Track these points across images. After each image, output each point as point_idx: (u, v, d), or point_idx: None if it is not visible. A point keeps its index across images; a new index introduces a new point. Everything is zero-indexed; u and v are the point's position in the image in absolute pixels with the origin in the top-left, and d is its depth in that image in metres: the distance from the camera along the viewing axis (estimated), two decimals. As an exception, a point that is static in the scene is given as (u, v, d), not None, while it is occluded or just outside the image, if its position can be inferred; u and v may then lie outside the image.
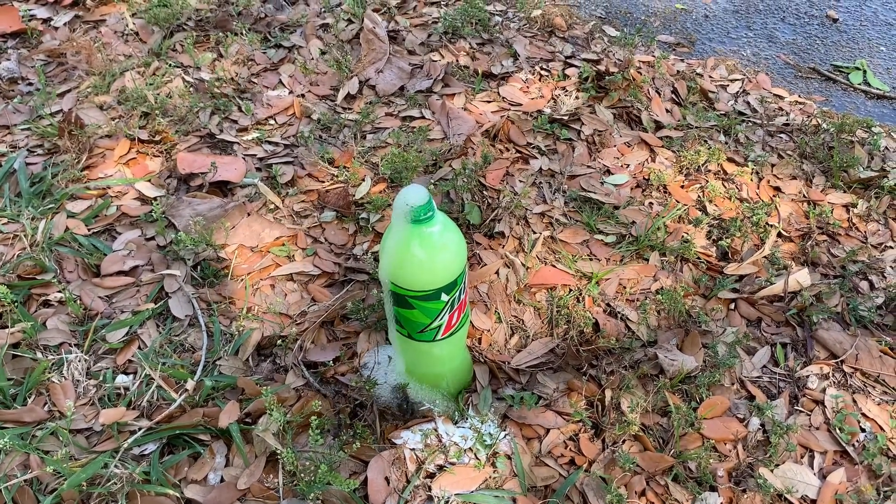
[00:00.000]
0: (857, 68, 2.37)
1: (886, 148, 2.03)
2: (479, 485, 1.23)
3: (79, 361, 1.36)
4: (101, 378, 1.35)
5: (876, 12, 2.65)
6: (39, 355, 1.36)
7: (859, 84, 2.31)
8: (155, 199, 1.68)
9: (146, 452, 1.24)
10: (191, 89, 2.01)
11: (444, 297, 1.15)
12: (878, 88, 2.31)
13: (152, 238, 1.60)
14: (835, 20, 2.61)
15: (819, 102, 2.25)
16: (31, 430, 1.25)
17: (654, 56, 2.30)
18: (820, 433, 1.38)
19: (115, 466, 1.18)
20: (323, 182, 1.78)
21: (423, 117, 2.00)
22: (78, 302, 1.44)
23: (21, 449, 1.21)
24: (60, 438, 1.24)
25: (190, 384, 1.31)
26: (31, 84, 2.03)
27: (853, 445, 1.36)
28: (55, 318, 1.43)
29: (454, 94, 2.08)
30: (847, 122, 2.01)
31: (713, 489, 1.27)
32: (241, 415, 1.29)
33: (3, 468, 1.20)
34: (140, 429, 1.26)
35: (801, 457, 1.34)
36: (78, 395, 1.32)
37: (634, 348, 1.46)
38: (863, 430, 1.38)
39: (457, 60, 2.21)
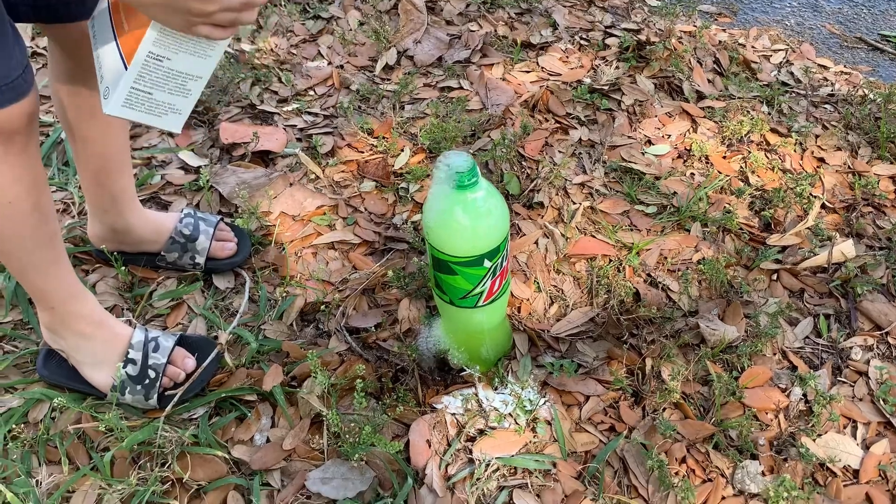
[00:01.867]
0: (906, 37, 2.31)
1: (936, 118, 1.98)
2: (519, 449, 1.25)
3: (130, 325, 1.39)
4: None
5: (926, -20, 2.57)
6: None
7: (908, 53, 2.26)
8: (199, 167, 1.70)
9: (195, 416, 1.28)
10: (232, 60, 2.02)
11: (487, 264, 1.16)
12: (927, 58, 2.25)
13: (197, 206, 1.63)
14: (883, -12, 2.54)
15: (865, 73, 2.20)
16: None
17: (695, 26, 2.27)
18: (863, 404, 1.37)
19: (165, 429, 1.22)
20: (362, 152, 1.79)
21: (461, 88, 1.99)
22: (126, 269, 1.48)
23: (75, 407, 1.25)
24: (112, 400, 1.27)
25: (222, 335, 1.34)
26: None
27: (897, 417, 1.34)
28: (102, 283, 1.47)
29: (492, 65, 2.08)
30: (894, 92, 1.96)
31: (754, 457, 1.27)
32: (286, 378, 1.32)
33: (58, 425, 1.24)
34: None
35: (844, 427, 1.33)
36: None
37: (675, 318, 1.45)
38: (907, 402, 1.37)
39: (495, 30, 2.20)
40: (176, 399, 1.25)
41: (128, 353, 1.25)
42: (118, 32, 0.96)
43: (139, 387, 1.25)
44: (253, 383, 1.31)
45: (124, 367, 1.24)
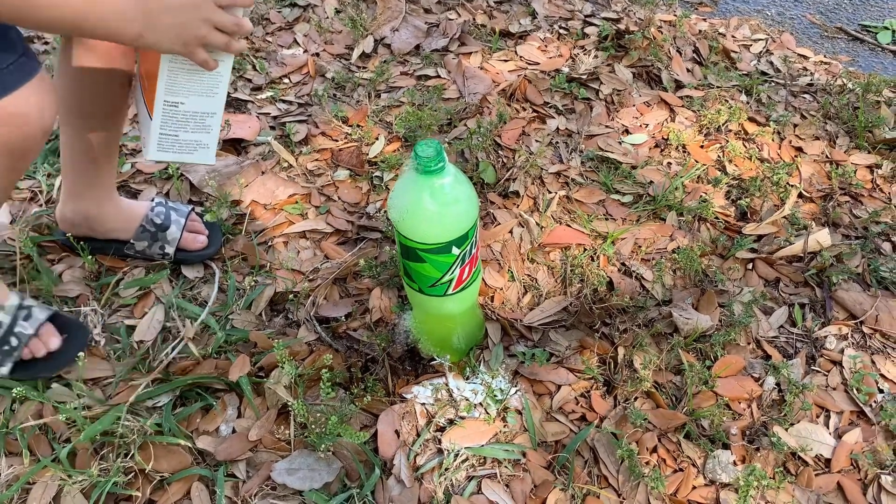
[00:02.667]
0: (886, 28, 2.30)
1: (914, 108, 1.98)
2: (489, 439, 1.23)
3: (95, 315, 1.37)
4: (114, 332, 1.36)
5: (907, -29, 2.57)
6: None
7: (888, 44, 2.25)
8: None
9: (159, 405, 1.25)
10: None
11: (456, 251, 1.14)
12: (907, 48, 2.25)
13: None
14: (864, -21, 2.53)
15: (845, 63, 2.19)
16: (43, 384, 1.26)
17: (675, 15, 2.25)
18: (837, 393, 1.36)
19: (127, 419, 1.20)
20: (336, 141, 1.77)
21: (438, 76, 1.97)
22: (93, 258, 1.45)
23: (36, 398, 1.23)
24: (75, 390, 1.25)
25: (190, 328, 1.32)
26: (46, 43, 2.03)
27: (870, 406, 1.34)
28: (69, 272, 1.44)
29: (470, 54, 2.06)
30: (874, 82, 1.96)
31: (726, 447, 1.26)
32: (253, 368, 1.30)
33: (18, 417, 1.22)
34: (154, 381, 1.27)
35: (817, 416, 1.32)
36: (92, 346, 1.33)
37: (649, 307, 1.44)
38: (881, 391, 1.36)
39: (473, 19, 2.18)
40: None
41: None
42: (144, 93, 1.13)
43: None
44: (220, 373, 1.29)
45: None
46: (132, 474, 1.17)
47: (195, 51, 1.00)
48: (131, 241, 1.44)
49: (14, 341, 1.22)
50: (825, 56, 2.20)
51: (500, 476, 1.20)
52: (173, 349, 1.31)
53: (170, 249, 1.44)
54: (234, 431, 1.24)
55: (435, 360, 1.32)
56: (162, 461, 1.18)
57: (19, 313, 1.23)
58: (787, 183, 1.71)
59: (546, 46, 2.10)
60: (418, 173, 1.07)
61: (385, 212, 1.59)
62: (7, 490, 1.13)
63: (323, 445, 1.18)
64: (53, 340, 1.25)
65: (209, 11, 0.98)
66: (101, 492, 1.12)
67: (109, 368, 1.30)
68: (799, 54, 2.19)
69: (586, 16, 2.23)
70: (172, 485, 1.17)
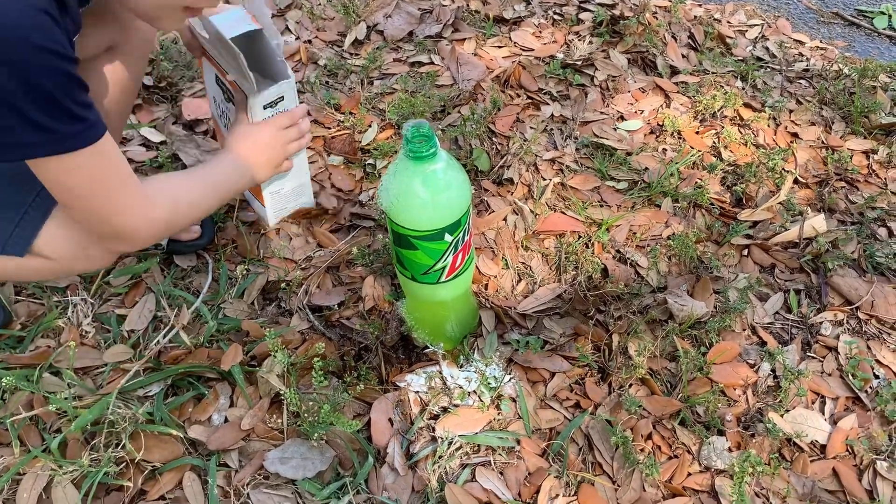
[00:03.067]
0: (882, 13, 2.29)
1: (910, 94, 1.97)
2: (482, 426, 1.23)
3: (85, 304, 1.36)
4: (105, 321, 1.35)
5: (904, -45, 2.55)
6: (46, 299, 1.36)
7: (884, 29, 2.24)
8: (160, 143, 1.66)
9: (150, 394, 1.25)
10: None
11: (448, 238, 1.13)
12: (903, 33, 2.23)
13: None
14: (861, -37, 2.52)
15: (841, 48, 2.18)
16: (37, 372, 1.25)
17: (670, 1, 2.23)
18: (832, 379, 1.35)
19: (119, 407, 1.19)
20: (329, 128, 1.75)
21: (431, 63, 1.95)
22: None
23: (26, 388, 1.22)
24: (65, 379, 1.24)
25: (185, 313, 1.31)
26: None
27: (866, 392, 1.33)
28: (60, 261, 1.43)
29: (464, 40, 2.04)
30: (870, 67, 1.94)
31: (721, 433, 1.25)
32: (246, 357, 1.29)
33: (9, 407, 1.20)
34: (145, 370, 1.26)
35: (812, 402, 1.32)
36: (82, 335, 1.32)
37: (643, 294, 1.43)
38: (876, 377, 1.36)
39: (467, 5, 2.16)
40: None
41: None
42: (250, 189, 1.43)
43: None
44: (212, 362, 1.28)
45: None
46: (123, 464, 1.16)
47: (283, 166, 1.31)
48: None
49: None
50: (821, 41, 2.19)
51: (494, 464, 1.19)
52: (165, 337, 1.30)
53: (162, 241, 1.43)
54: (226, 420, 1.23)
55: (428, 348, 1.31)
56: (153, 451, 1.17)
57: None
58: (783, 169, 1.70)
59: (540, 32, 2.08)
60: (409, 159, 1.06)
61: (377, 199, 1.58)
62: (-3, 480, 1.12)
63: (316, 434, 1.17)
64: None
65: (281, 138, 1.27)
66: (92, 482, 1.11)
67: (100, 357, 1.29)
68: (795, 40, 2.18)
69: (581, 1, 2.21)
70: (164, 475, 1.16)
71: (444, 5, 2.14)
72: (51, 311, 1.34)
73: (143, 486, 1.15)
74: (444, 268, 1.18)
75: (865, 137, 1.81)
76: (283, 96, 1.29)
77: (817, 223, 1.55)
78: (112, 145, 0.96)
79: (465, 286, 1.28)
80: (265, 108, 1.27)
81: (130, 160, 1.64)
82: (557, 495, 1.16)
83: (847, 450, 1.26)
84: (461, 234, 1.15)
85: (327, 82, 1.88)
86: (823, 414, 1.30)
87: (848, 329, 1.43)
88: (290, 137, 1.29)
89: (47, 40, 0.82)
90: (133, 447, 1.16)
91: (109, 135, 0.94)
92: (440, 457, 1.18)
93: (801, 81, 2.00)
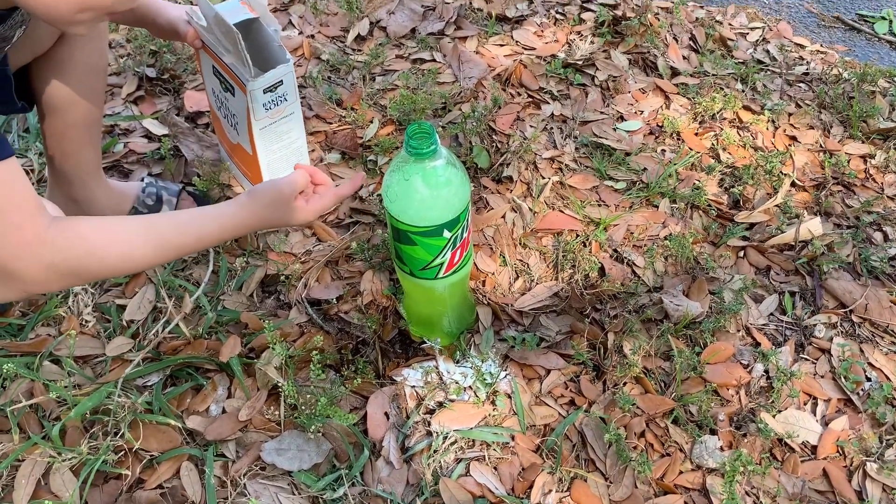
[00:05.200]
0: (884, 18, 2.30)
1: (909, 99, 1.98)
2: (478, 422, 1.24)
3: (86, 294, 1.37)
4: (105, 311, 1.36)
5: (906, -39, 2.56)
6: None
7: (884, 34, 2.25)
8: (163, 136, 1.67)
9: (149, 384, 1.26)
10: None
11: (447, 234, 1.14)
12: (903, 39, 2.24)
13: (160, 174, 1.60)
14: (863, -32, 2.53)
15: (841, 52, 2.19)
16: (38, 360, 1.26)
17: (672, 2, 2.24)
18: (825, 381, 1.37)
19: (118, 396, 1.20)
20: (331, 123, 1.76)
21: (433, 60, 1.96)
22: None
23: (27, 376, 1.23)
24: (65, 368, 1.25)
25: (188, 301, 1.32)
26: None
27: (858, 394, 1.35)
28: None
29: (466, 38, 2.05)
30: (869, 72, 1.95)
31: (713, 432, 1.26)
32: (244, 349, 1.30)
33: (8, 394, 1.22)
34: (144, 360, 1.27)
35: (804, 404, 1.33)
36: (82, 325, 1.33)
37: (639, 293, 1.45)
38: (868, 380, 1.37)
39: (470, 3, 2.16)
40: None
41: None
42: (244, 174, 1.52)
43: None
44: (210, 354, 1.29)
45: None
46: (122, 453, 1.17)
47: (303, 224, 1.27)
48: None
49: None
50: (822, 45, 2.20)
51: (489, 459, 1.21)
52: (164, 327, 1.31)
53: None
54: (224, 412, 1.24)
55: (425, 343, 1.32)
56: (151, 440, 1.19)
57: None
58: (781, 171, 1.71)
59: (542, 31, 2.09)
60: (410, 155, 1.07)
61: (378, 195, 1.59)
62: (-3, 466, 1.13)
63: (313, 426, 1.18)
64: None
65: (309, 216, 1.13)
66: (90, 469, 1.13)
67: (100, 346, 1.30)
68: (795, 43, 2.19)
69: (583, 1, 2.22)
70: (162, 464, 1.17)
71: (447, 3, 2.14)
72: (51, 299, 1.35)
73: (140, 474, 1.16)
74: (442, 263, 1.19)
75: (863, 142, 1.82)
76: (281, 81, 1.30)
77: (813, 226, 1.57)
78: (14, 170, 0.86)
79: (463, 282, 1.30)
80: (265, 92, 1.28)
81: (132, 151, 1.66)
82: (550, 490, 1.17)
83: (838, 451, 1.27)
84: (460, 231, 1.16)
85: (329, 77, 1.89)
86: (815, 415, 1.31)
87: (841, 332, 1.45)
88: (323, 204, 1.15)
89: None
90: (132, 436, 1.17)
91: (14, 161, 0.86)
92: (435, 451, 1.20)
93: (801, 85, 2.01)
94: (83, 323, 1.34)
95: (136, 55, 1.87)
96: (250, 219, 1.08)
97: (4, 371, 1.13)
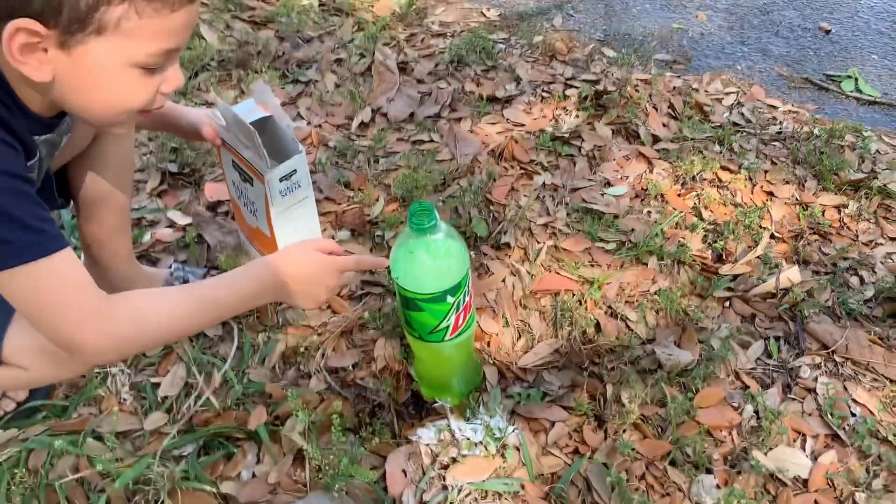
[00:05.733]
0: (849, 76, 2.46)
1: (877, 151, 2.12)
2: (489, 474, 1.33)
3: (122, 374, 1.49)
4: (140, 389, 1.47)
5: (868, 22, 2.75)
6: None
7: (851, 91, 2.41)
8: (186, 225, 1.81)
9: (185, 454, 1.36)
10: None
11: (450, 300, 1.26)
12: (869, 95, 2.40)
13: (185, 261, 1.74)
14: (827, 31, 2.71)
15: (812, 111, 2.34)
16: (81, 438, 1.37)
17: (650, 74, 2.42)
18: (812, 418, 1.46)
19: (157, 466, 1.30)
20: (340, 204, 1.91)
21: (432, 140, 2.12)
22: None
23: (72, 452, 1.34)
24: (107, 443, 1.36)
25: (216, 377, 1.43)
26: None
27: (844, 429, 1.44)
28: (98, 336, 1.56)
29: (461, 118, 2.21)
30: (837, 128, 2.10)
31: (709, 471, 1.35)
32: (270, 417, 1.41)
33: (57, 470, 1.32)
34: (179, 432, 1.38)
35: (794, 440, 1.42)
36: (121, 403, 1.44)
37: (634, 346, 1.55)
38: (853, 415, 1.46)
39: (462, 87, 2.34)
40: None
41: None
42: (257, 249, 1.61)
43: None
44: (239, 423, 1.40)
45: None
46: (162, 519, 1.27)
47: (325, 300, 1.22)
48: None
49: None
50: (793, 105, 2.35)
51: (501, 507, 1.30)
52: (196, 401, 1.42)
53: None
54: (254, 476, 1.34)
55: (437, 402, 1.43)
56: (189, 505, 1.29)
57: None
58: (759, 225, 1.83)
59: (530, 109, 2.25)
60: (413, 231, 1.20)
61: (386, 269, 1.72)
62: (48, 538, 1.23)
63: (336, 485, 1.28)
64: (20, 393, 1.41)
65: (332, 278, 1.19)
66: (134, 536, 1.22)
67: (138, 422, 1.41)
68: (768, 105, 2.35)
69: (567, 78, 2.40)
70: (200, 527, 1.27)
71: (441, 88, 2.32)
72: (91, 381, 1.47)
73: (180, 538, 1.26)
74: (447, 327, 1.30)
75: (836, 193, 1.96)
76: (295, 170, 1.44)
77: (792, 275, 1.68)
78: (71, 258, 0.98)
79: (469, 343, 1.41)
80: (281, 180, 1.42)
81: (159, 241, 1.80)
82: (560, 534, 1.26)
83: (828, 483, 1.35)
84: (462, 296, 1.28)
85: (337, 162, 2.04)
86: (805, 450, 1.40)
87: (825, 371, 1.54)
88: (341, 282, 1.24)
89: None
90: (171, 503, 1.27)
91: (70, 250, 0.98)
92: (451, 503, 1.29)
93: (776, 143, 2.16)
94: (121, 401, 1.45)
95: (159, 153, 2.03)
96: (282, 264, 1.16)
97: (56, 447, 1.23)
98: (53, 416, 1.42)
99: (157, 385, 1.48)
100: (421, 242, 1.21)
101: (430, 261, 1.23)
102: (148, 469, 1.30)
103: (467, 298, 1.31)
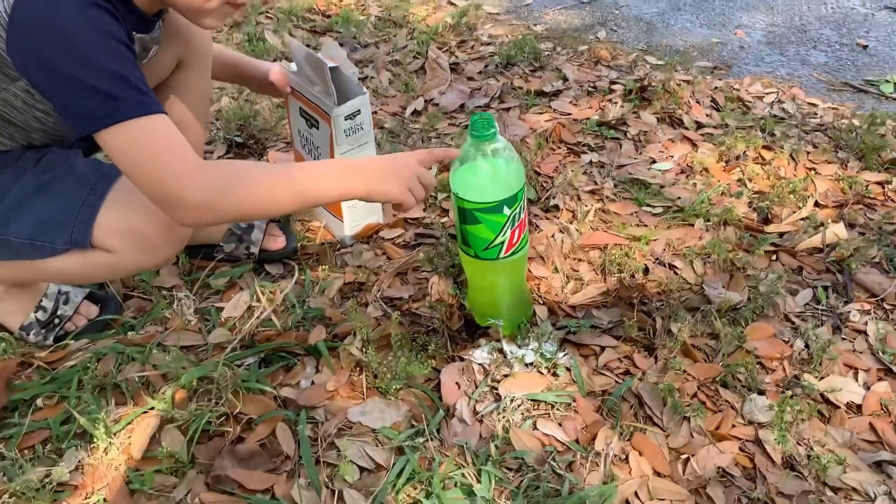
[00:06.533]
0: (888, 81, 2.52)
1: (919, 137, 2.15)
2: (541, 389, 1.36)
3: (188, 299, 1.55)
4: (205, 313, 1.54)
5: (905, 39, 2.82)
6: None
7: (891, 93, 2.46)
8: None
9: (247, 363, 1.41)
10: (279, 107, 2.28)
11: (506, 211, 1.32)
12: (910, 96, 2.45)
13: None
14: (864, 47, 2.79)
15: (852, 109, 2.39)
16: (147, 348, 1.43)
17: (692, 76, 2.50)
18: (863, 356, 1.46)
19: (221, 367, 1.35)
20: (394, 173, 1.99)
21: (482, 124, 2.21)
22: (186, 258, 1.65)
23: (139, 360, 1.40)
24: (171, 354, 1.41)
25: (278, 298, 1.49)
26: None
27: (896, 365, 1.44)
28: (164, 269, 1.64)
29: (509, 108, 2.31)
30: (878, 115, 2.15)
31: (761, 393, 1.36)
32: (329, 336, 1.46)
33: (124, 372, 1.38)
34: (242, 346, 1.43)
35: (845, 373, 1.42)
36: (186, 323, 1.50)
37: (682, 288, 1.58)
38: (906, 354, 1.46)
39: (511, 83, 2.45)
40: (71, 336, 1.47)
41: (41, 301, 1.45)
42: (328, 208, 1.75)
43: (43, 330, 1.45)
44: (299, 341, 1.45)
45: (35, 311, 1.45)
46: (223, 416, 1.31)
47: (408, 198, 1.26)
48: (220, 244, 1.65)
49: (56, 321, 1.47)
50: (833, 103, 2.41)
51: (553, 416, 1.32)
52: (258, 318, 1.48)
53: (254, 249, 1.64)
54: (312, 384, 1.38)
55: (490, 328, 1.47)
56: (250, 406, 1.33)
57: (59, 297, 1.47)
58: (804, 194, 1.87)
59: (577, 102, 2.35)
60: (473, 139, 1.27)
61: (440, 223, 1.78)
62: (115, 425, 1.28)
63: (392, 389, 1.31)
64: (92, 309, 1.51)
65: (409, 163, 1.27)
66: (196, 427, 1.27)
67: (202, 339, 1.47)
68: (809, 103, 2.41)
69: (612, 80, 2.49)
70: (259, 425, 1.30)
71: (490, 84, 2.43)
72: (158, 304, 1.54)
73: (240, 434, 1.30)
74: (503, 242, 1.36)
75: (879, 171, 1.99)
76: (359, 110, 1.54)
77: (839, 230, 1.71)
78: (171, 121, 1.09)
79: (521, 267, 1.46)
80: (346, 119, 1.52)
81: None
82: (612, 441, 1.27)
83: (882, 409, 1.35)
84: (517, 210, 1.34)
85: (391, 141, 2.14)
86: (857, 381, 1.40)
87: (876, 317, 1.55)
88: (424, 178, 1.28)
89: (105, 27, 1.04)
90: (233, 401, 1.31)
91: (167, 116, 1.09)
92: (504, 410, 1.31)
93: (817, 133, 2.21)
94: (187, 322, 1.51)
95: (225, 128, 2.15)
96: (361, 158, 1.29)
97: (127, 352, 1.30)
98: (122, 332, 1.49)
99: (220, 309, 1.54)
100: (481, 151, 1.28)
101: (489, 168, 1.30)
102: (213, 370, 1.35)
103: (522, 214, 1.36)
